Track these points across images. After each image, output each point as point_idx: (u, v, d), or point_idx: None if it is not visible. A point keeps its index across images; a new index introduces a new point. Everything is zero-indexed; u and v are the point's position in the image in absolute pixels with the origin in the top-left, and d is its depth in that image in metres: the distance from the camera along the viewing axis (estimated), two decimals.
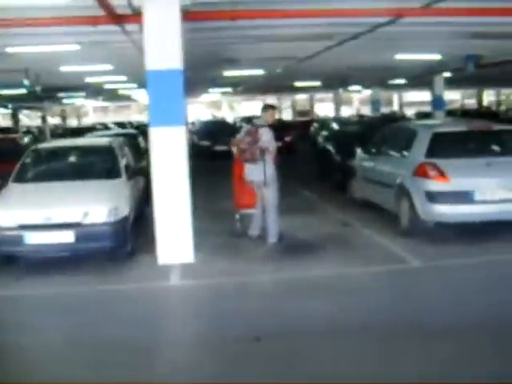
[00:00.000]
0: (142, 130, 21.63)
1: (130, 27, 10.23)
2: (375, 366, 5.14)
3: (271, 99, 62.92)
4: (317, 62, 19.45)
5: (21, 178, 9.34)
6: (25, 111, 43.29)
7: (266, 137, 9.04)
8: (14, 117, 35.14)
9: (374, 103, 35.72)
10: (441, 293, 7.01)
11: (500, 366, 4.98)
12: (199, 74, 21.20)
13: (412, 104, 57.18)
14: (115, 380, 5.02)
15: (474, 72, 20.58)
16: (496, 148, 9.76)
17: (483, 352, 5.30)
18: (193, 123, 36.79)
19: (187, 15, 8.66)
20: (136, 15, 8.74)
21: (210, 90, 37.85)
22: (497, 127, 10.08)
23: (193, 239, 8.55)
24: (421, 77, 26.50)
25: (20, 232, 7.97)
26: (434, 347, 5.37)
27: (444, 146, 9.35)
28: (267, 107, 9.69)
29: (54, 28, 10.43)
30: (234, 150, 9.48)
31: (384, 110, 39.15)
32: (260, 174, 9.03)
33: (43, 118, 38.56)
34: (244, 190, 9.93)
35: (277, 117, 8.35)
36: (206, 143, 24.61)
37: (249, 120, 35.48)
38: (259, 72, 23.01)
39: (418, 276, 7.81)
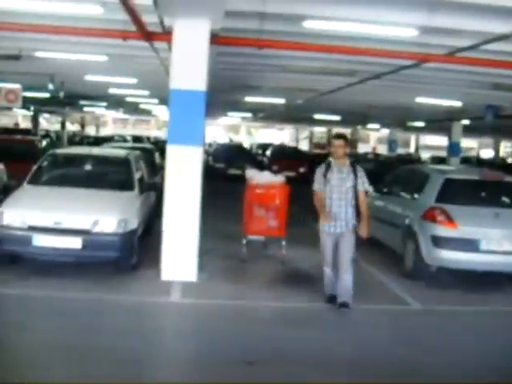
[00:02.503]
0: (160, 146, 21.84)
1: (158, 45, 10.44)
2: None
3: (289, 129, 63.29)
4: (338, 97, 19.68)
5: (36, 181, 9.46)
6: (45, 115, 43.66)
7: (363, 179, 7.66)
8: (35, 119, 35.48)
9: (391, 143, 35.87)
10: (436, 337, 7.03)
11: None
12: (221, 96, 21.46)
13: (428, 148, 57.23)
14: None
15: (493, 122, 20.71)
16: (506, 199, 9.81)
17: None
18: (210, 145, 36.98)
19: (216, 39, 8.84)
20: (166, 34, 8.94)
21: (230, 113, 38.19)
22: (508, 178, 10.12)
23: (198, 259, 8.63)
24: (439, 121, 26.67)
25: (29, 233, 8.06)
26: None
27: (455, 192, 9.39)
28: (341, 137, 7.95)
29: (84, 38, 10.67)
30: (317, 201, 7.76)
31: (400, 150, 39.28)
32: (347, 222, 7.57)
33: (62, 124, 38.94)
34: (254, 215, 10.02)
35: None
36: (221, 165, 24.75)
37: (264, 147, 35.78)
38: (280, 101, 23.26)
39: (415, 318, 7.83)
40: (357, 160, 7.48)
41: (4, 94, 19.92)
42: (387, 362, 6.09)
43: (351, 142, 7.32)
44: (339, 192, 7.53)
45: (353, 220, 7.58)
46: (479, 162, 30.65)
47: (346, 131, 49.44)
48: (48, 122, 51.67)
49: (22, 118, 50.02)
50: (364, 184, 7.65)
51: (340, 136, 7.99)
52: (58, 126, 41.80)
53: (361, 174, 7.63)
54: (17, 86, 19.93)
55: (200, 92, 8.40)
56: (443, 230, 8.90)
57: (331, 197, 7.56)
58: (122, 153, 11.07)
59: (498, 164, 32.00)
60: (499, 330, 7.37)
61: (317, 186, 7.71)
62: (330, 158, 7.81)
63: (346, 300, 7.44)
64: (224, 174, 23.91)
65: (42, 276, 8.24)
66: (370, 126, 38.40)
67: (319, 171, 7.75)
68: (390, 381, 5.63)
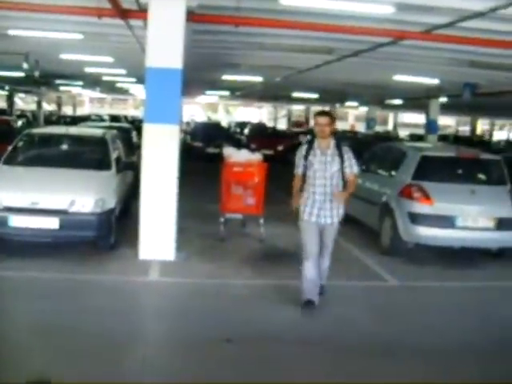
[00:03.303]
0: (137, 125, 21.68)
1: (134, 22, 10.33)
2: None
3: (267, 107, 63.15)
4: (316, 75, 19.61)
5: (11, 161, 9.37)
6: (21, 95, 43.15)
7: (351, 161, 6.92)
8: (10, 99, 35.04)
9: (370, 121, 35.91)
10: (412, 313, 7.12)
11: None
12: (198, 75, 21.30)
13: (406, 125, 57.53)
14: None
15: (470, 100, 20.80)
16: (481, 176, 9.92)
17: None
18: (188, 123, 36.82)
19: (192, 17, 8.76)
20: (141, 11, 8.84)
21: (208, 91, 37.96)
22: (484, 156, 10.22)
23: (176, 238, 8.63)
24: (417, 99, 26.75)
25: (5, 214, 8.01)
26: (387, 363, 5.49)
27: (431, 169, 9.47)
28: (326, 114, 7.17)
29: (58, 15, 10.50)
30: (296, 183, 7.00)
31: (378, 128, 39.38)
32: (334, 213, 6.87)
33: (38, 104, 38.48)
34: (231, 193, 10.03)
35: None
36: (199, 144, 24.66)
37: (243, 126, 35.71)
38: (258, 79, 23.14)
39: (392, 294, 7.92)
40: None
41: None
42: (361, 339, 6.17)
43: (335, 119, 7.01)
44: (323, 178, 6.74)
45: (339, 209, 6.88)
46: (456, 140, 30.84)
47: (325, 109, 49.50)
48: (24, 102, 51.10)
49: None
50: (352, 167, 6.87)
51: (325, 113, 7.17)
52: (34, 106, 41.32)
53: (348, 155, 6.85)
54: None
55: (176, 70, 8.34)
56: (420, 207, 8.99)
57: (314, 183, 6.79)
58: (98, 132, 11.01)
59: (474, 141, 32.27)
60: (476, 305, 7.50)
61: (299, 170, 6.93)
62: (310, 137, 7.11)
63: (323, 283, 7.18)
64: (202, 153, 23.84)
65: (19, 257, 8.19)
66: (348, 103, 38.39)
67: (300, 153, 6.94)
68: (363, 357, 5.70)
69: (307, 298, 6.76)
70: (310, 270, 6.77)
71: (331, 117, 6.98)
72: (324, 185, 6.77)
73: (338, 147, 6.87)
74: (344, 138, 23.11)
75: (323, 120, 6.82)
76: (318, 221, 6.81)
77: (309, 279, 6.76)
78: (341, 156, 6.81)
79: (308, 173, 6.82)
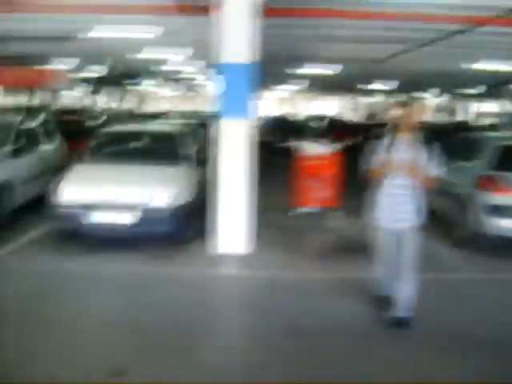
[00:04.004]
0: (209, 120, 21.88)
1: (211, 18, 10.42)
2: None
3: (342, 100, 62.47)
4: (394, 65, 19.32)
5: (88, 159, 9.67)
6: (103, 93, 44.38)
7: (434, 162, 6.06)
8: (92, 97, 36.24)
9: (450, 111, 35.14)
10: (493, 306, 6.95)
11: None
12: (272, 69, 21.34)
13: (483, 115, 55.78)
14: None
15: None
16: None
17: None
18: (264, 118, 36.85)
19: (266, 11, 8.78)
20: (216, 7, 8.91)
21: (284, 85, 37.95)
22: None
23: (252, 231, 8.69)
24: (499, 87, 25.99)
25: (84, 210, 8.26)
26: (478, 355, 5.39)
27: (508, 159, 9.18)
28: (409, 103, 6.21)
29: (136, 15, 10.75)
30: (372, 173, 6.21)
31: (459, 118, 38.43)
32: (413, 213, 6.07)
33: (119, 101, 39.49)
34: (306, 186, 10.00)
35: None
36: (274, 139, 24.65)
37: (320, 119, 35.42)
38: (333, 71, 22.97)
39: (471, 287, 7.74)
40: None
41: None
42: (449, 332, 6.07)
43: (421, 110, 7.63)
44: (404, 177, 5.97)
45: (420, 213, 6.08)
46: None
47: (407, 99, 48.55)
48: (107, 100, 52.41)
49: (81, 96, 50.79)
50: (435, 168, 6.01)
51: (407, 102, 6.19)
52: (115, 104, 42.41)
53: (434, 154, 6.03)
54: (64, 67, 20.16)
55: (248, 65, 8.39)
56: (499, 199, 8.74)
57: (394, 183, 6.00)
58: (172, 128, 11.18)
59: None
60: None
61: (375, 164, 6.11)
62: (390, 132, 6.14)
63: (406, 315, 6.09)
64: (277, 148, 23.81)
65: (100, 251, 8.43)
66: (427, 94, 37.68)
67: (379, 147, 6.11)
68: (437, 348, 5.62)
69: (382, 294, 6.51)
70: (383, 273, 6.45)
71: (416, 106, 6.15)
72: (405, 186, 5.98)
73: (423, 144, 6.03)
74: (424, 128, 22.76)
75: (406, 110, 6.01)
76: (394, 226, 6.10)
77: (381, 274, 6.47)
78: (426, 154, 5.98)
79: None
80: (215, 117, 8.63)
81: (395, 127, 6.08)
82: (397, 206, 6.03)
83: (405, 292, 6.07)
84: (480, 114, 53.32)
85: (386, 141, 6.12)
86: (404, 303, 6.08)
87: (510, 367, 5.32)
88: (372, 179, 6.19)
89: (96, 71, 23.68)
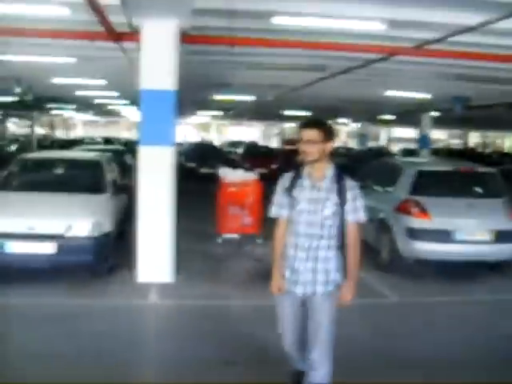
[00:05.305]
0: (130, 147, 21.68)
1: (127, 45, 10.33)
2: None
3: (259, 126, 63.18)
4: (308, 93, 19.70)
5: (6, 187, 9.34)
6: (13, 119, 43.18)
7: (356, 203, 4.47)
8: (2, 124, 35.14)
9: (362, 137, 36.05)
10: (413, 329, 7.08)
11: None
12: (190, 95, 21.36)
13: (398, 140, 57.68)
14: None
15: (462, 113, 20.92)
16: (478, 189, 9.92)
17: None
18: (181, 144, 36.80)
19: (185, 38, 8.77)
20: (134, 34, 8.83)
21: (200, 112, 38.06)
22: (479, 169, 10.23)
23: (174, 259, 8.57)
24: (409, 114, 26.88)
25: (1, 240, 7.94)
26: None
27: (427, 184, 9.48)
28: (315, 124, 4.47)
29: (51, 40, 10.51)
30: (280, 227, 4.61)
31: (371, 144, 39.50)
32: (323, 278, 4.49)
33: (31, 128, 38.48)
34: (228, 214, 10.00)
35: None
36: (192, 165, 24.65)
37: (236, 145, 35.70)
38: (250, 98, 23.22)
39: (393, 311, 7.86)
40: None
41: None
42: (364, 355, 6.13)
43: (332, 133, 4.51)
44: (311, 223, 4.41)
45: (334, 273, 4.50)
46: (450, 153, 30.91)
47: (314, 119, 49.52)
48: (17, 126, 51.04)
49: None
50: (357, 211, 4.44)
51: (312, 123, 4.47)
52: (26, 130, 41.34)
53: (353, 192, 4.44)
54: None
55: (170, 92, 8.34)
56: (417, 222, 8.98)
57: (297, 231, 4.46)
58: (92, 155, 10.98)
59: (467, 154, 32.36)
60: (476, 319, 7.45)
61: (277, 210, 4.59)
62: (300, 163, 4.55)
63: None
64: (196, 174, 23.83)
65: (17, 283, 8.09)
66: (340, 120, 38.54)
67: (281, 184, 4.58)
68: (368, 373, 5.65)
69: (294, 369, 5.00)
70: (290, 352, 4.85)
71: (323, 128, 4.44)
72: (310, 235, 4.43)
73: (339, 179, 4.47)
74: (338, 155, 23.28)
75: (310, 134, 4.39)
76: (297, 291, 4.57)
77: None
78: (341, 192, 4.41)
79: (291, 215, 4.51)
80: (136, 143, 8.51)
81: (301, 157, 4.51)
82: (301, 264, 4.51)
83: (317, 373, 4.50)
84: (392, 140, 55.05)
85: (288, 176, 4.59)
86: None
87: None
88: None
89: (6, 95, 22.98)
